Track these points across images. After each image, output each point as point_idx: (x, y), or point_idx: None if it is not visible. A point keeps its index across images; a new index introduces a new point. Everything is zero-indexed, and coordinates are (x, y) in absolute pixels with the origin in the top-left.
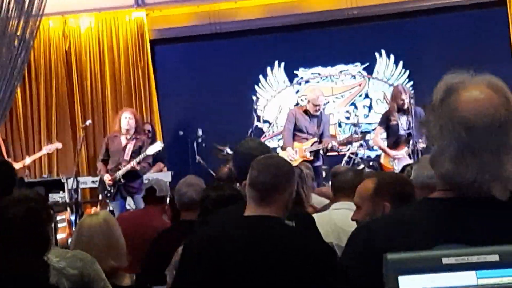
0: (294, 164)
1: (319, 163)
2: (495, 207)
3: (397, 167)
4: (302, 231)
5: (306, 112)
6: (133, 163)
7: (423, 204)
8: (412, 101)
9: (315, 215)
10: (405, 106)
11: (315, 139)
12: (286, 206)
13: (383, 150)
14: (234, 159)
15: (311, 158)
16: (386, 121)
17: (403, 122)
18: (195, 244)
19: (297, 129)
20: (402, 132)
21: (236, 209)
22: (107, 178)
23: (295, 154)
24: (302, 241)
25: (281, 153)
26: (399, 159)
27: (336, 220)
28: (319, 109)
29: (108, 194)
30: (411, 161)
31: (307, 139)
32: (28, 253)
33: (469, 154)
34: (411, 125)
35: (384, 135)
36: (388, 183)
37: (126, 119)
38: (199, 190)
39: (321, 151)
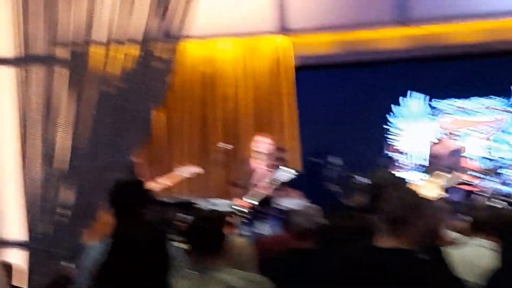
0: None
1: (455, 197)
2: None
3: None
4: (435, 265)
5: (442, 144)
6: (266, 189)
7: None
8: None
9: (451, 250)
10: None
11: (449, 175)
12: (418, 238)
13: None
14: (367, 189)
15: (446, 194)
16: None
17: None
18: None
19: (434, 162)
20: None
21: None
22: (241, 202)
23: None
24: (434, 275)
25: (427, 183)
26: None
27: (472, 257)
28: (454, 140)
29: (242, 219)
30: None
31: (442, 172)
32: (148, 274)
33: None
34: None
35: None
36: None
37: (263, 146)
38: (311, 219)
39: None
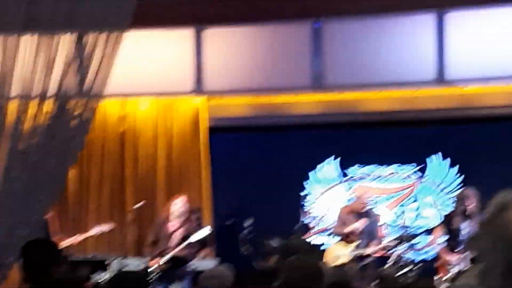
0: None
1: (365, 263)
2: None
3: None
4: None
5: (352, 211)
6: (179, 249)
7: None
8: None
9: None
10: (468, 212)
11: (358, 241)
12: None
13: (440, 253)
14: (279, 255)
15: (353, 262)
16: (448, 224)
17: (464, 227)
18: None
19: (344, 229)
20: (461, 237)
21: None
22: (153, 262)
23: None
24: None
25: (336, 247)
26: (454, 265)
27: None
28: (365, 207)
29: (152, 279)
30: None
31: (353, 240)
32: None
33: None
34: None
35: (443, 237)
36: None
37: (178, 207)
38: (222, 282)
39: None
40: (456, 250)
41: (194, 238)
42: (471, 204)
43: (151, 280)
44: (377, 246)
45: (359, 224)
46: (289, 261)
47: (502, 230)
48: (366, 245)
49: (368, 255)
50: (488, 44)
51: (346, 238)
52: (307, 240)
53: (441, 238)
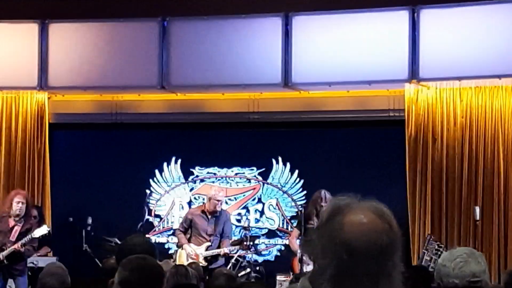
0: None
1: (217, 264)
2: None
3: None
4: None
5: (204, 212)
6: (18, 245)
7: None
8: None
9: None
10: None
11: (209, 243)
12: None
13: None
14: (118, 253)
15: (205, 263)
16: (302, 224)
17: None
18: None
19: (194, 230)
20: None
21: None
22: None
23: (192, 252)
24: None
25: (179, 251)
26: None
27: None
28: (219, 205)
29: None
30: None
31: (203, 241)
32: None
33: (348, 276)
34: None
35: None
36: None
37: (18, 203)
38: (61, 280)
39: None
40: None
41: (34, 235)
42: (323, 207)
43: None
44: (227, 247)
45: (209, 225)
46: (126, 261)
47: (333, 234)
48: (218, 246)
49: (219, 255)
50: (332, 50)
51: (195, 240)
52: (146, 239)
53: (297, 239)
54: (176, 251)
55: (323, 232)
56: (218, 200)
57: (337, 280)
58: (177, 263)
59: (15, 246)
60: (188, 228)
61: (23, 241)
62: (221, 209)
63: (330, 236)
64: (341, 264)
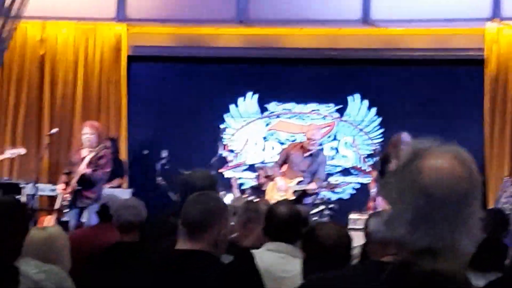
0: (282, 197)
1: (305, 202)
2: (437, 281)
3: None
4: (232, 267)
5: (301, 148)
6: (82, 167)
7: (371, 266)
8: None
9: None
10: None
11: (301, 178)
12: (216, 242)
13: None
14: (180, 187)
15: (294, 197)
16: (382, 165)
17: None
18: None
19: (289, 164)
20: None
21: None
22: (60, 186)
23: (284, 185)
24: (228, 276)
25: (270, 184)
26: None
27: (266, 263)
28: (314, 144)
29: (65, 203)
30: None
31: (296, 176)
32: None
33: (425, 221)
34: None
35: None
36: None
37: (85, 135)
38: (136, 213)
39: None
40: None
41: (93, 153)
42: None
43: (64, 208)
44: (313, 188)
45: (303, 162)
46: (191, 197)
47: (412, 178)
48: (309, 183)
49: (307, 193)
50: None
51: (289, 174)
52: (208, 172)
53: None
54: (265, 184)
55: (401, 176)
56: (314, 139)
57: (413, 225)
58: (267, 196)
59: (80, 169)
60: (284, 162)
61: (86, 160)
62: (318, 150)
63: (408, 180)
64: (418, 209)
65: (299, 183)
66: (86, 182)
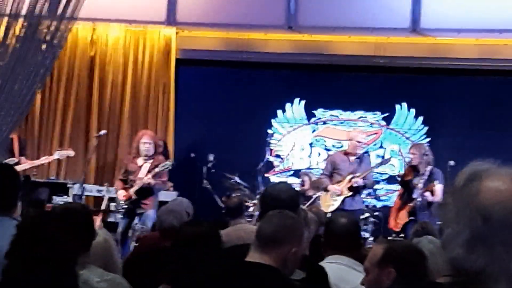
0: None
1: (353, 207)
2: None
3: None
4: (306, 284)
5: (346, 154)
6: (147, 178)
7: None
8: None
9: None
10: (414, 165)
11: (350, 176)
12: (285, 260)
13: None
14: (261, 198)
15: (350, 193)
16: (402, 177)
17: (417, 181)
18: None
19: (336, 172)
20: (414, 190)
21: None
22: (121, 193)
23: (339, 189)
24: None
25: (323, 194)
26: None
27: (332, 277)
28: (360, 147)
29: (120, 209)
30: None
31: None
32: (57, 264)
33: (482, 243)
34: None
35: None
36: (397, 250)
37: (145, 144)
38: (179, 218)
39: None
40: (408, 204)
41: (157, 168)
42: (416, 159)
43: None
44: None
45: (351, 166)
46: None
47: (469, 200)
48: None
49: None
50: None
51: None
52: (291, 186)
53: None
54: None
55: (459, 196)
56: (359, 142)
57: (471, 246)
58: (322, 206)
59: (144, 180)
60: (332, 171)
61: (150, 174)
62: (362, 153)
63: (465, 201)
64: (476, 230)
65: (350, 180)
66: (146, 191)
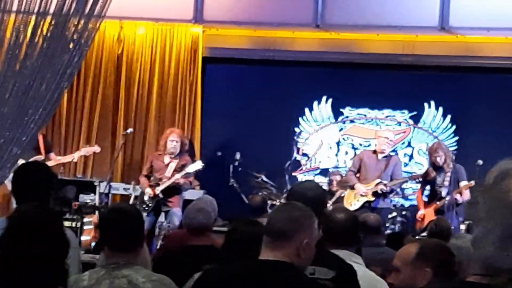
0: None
1: (381, 205)
2: None
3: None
4: (337, 283)
5: (374, 152)
6: (175, 177)
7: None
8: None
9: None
10: (438, 165)
11: (378, 180)
12: (298, 252)
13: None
14: (288, 196)
15: (373, 198)
16: (424, 176)
17: (441, 180)
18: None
19: (363, 169)
20: (437, 188)
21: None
22: (149, 191)
23: (364, 190)
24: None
25: (348, 191)
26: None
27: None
28: (387, 144)
29: (146, 208)
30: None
31: (373, 180)
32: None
33: None
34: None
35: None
36: (432, 250)
37: (172, 142)
38: (207, 215)
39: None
40: (433, 202)
41: (188, 169)
42: (438, 157)
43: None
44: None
45: (378, 165)
46: (278, 206)
47: (500, 198)
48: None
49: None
50: None
51: (364, 180)
52: (318, 183)
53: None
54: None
55: (489, 195)
56: (386, 137)
57: (502, 244)
58: (345, 202)
59: (172, 179)
60: (359, 168)
61: (179, 174)
62: (391, 154)
63: (496, 199)
64: (507, 228)
65: (377, 184)
66: (172, 190)
